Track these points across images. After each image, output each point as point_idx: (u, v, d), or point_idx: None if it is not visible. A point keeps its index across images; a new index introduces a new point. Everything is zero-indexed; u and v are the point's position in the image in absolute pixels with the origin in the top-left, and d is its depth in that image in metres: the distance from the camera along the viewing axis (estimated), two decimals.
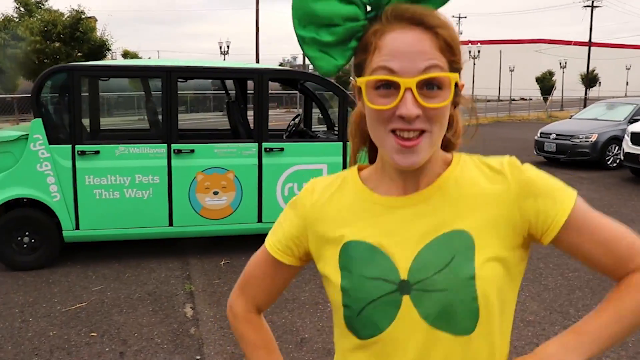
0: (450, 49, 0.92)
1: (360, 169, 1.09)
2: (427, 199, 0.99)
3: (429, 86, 0.90)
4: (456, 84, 0.95)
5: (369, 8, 0.96)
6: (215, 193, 5.74)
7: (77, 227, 5.51)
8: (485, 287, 0.92)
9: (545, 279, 5.39)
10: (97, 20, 31.96)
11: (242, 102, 7.20)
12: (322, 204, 1.06)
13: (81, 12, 23.55)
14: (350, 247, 1.00)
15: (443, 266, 0.93)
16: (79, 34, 23.14)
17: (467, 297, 0.92)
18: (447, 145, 1.05)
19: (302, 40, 0.98)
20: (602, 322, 0.96)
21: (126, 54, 36.69)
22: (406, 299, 0.94)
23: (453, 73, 0.92)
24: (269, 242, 1.13)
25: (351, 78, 1.02)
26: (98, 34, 24.77)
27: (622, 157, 11.39)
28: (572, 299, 4.90)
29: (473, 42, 55.70)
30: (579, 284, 5.23)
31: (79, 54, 23.67)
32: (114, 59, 26.17)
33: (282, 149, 5.89)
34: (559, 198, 0.96)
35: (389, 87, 0.90)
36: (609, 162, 12.66)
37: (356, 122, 1.09)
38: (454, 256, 0.93)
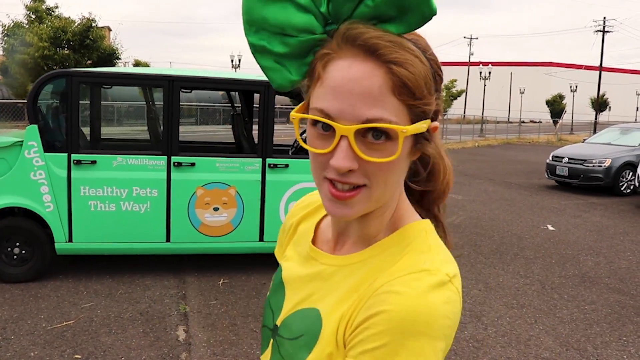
0: (408, 91, 0.74)
1: None
2: (332, 273, 0.88)
3: (376, 134, 0.74)
4: (428, 130, 0.79)
5: (329, 20, 0.78)
6: (216, 209, 5.49)
7: (70, 240, 5.26)
8: None
9: (560, 311, 5.09)
10: (111, 30, 31.97)
11: (246, 116, 6.97)
12: (300, 219, 1.05)
13: (92, 19, 23.50)
14: (280, 269, 1.03)
15: (294, 337, 0.89)
16: (88, 42, 23.04)
17: None
18: (426, 199, 0.92)
19: (253, 48, 0.83)
20: None
21: (137, 64, 36.71)
22: (272, 341, 0.95)
23: (407, 125, 0.75)
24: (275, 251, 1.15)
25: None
26: (109, 42, 24.69)
27: (636, 184, 11.07)
28: (589, 334, 4.59)
29: (484, 64, 55.57)
30: (596, 318, 4.93)
31: (89, 62, 23.56)
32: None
33: (286, 166, 5.63)
34: None
35: (327, 127, 0.76)
36: (622, 188, 12.33)
37: None
38: (303, 335, 0.87)
